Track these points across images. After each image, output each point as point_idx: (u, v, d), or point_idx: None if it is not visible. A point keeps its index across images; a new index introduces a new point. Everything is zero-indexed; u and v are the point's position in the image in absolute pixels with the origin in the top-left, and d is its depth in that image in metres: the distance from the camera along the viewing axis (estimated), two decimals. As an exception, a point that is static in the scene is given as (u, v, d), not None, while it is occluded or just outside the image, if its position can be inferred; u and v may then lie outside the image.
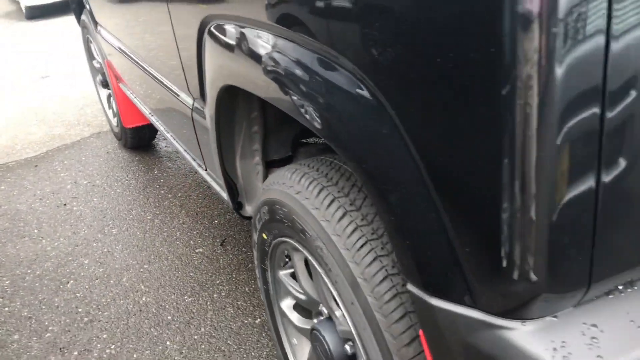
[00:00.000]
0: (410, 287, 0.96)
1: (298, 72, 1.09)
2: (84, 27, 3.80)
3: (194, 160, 2.25)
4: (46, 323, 2.49)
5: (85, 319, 2.49)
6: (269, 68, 1.19)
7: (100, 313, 2.51)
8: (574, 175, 0.74)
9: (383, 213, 0.97)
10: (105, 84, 3.86)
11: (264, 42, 1.22)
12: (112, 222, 3.19)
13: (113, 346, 2.32)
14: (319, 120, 1.06)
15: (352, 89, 0.95)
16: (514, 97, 0.70)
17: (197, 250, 2.84)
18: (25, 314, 2.57)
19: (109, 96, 3.84)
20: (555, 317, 0.86)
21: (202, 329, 2.34)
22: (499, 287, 0.84)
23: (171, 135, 2.47)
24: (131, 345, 2.31)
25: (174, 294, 2.56)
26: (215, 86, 1.55)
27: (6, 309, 2.62)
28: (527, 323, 0.85)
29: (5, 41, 7.54)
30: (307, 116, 1.10)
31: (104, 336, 2.38)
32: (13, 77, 5.96)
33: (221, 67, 1.49)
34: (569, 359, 0.81)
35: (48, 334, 2.43)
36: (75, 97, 5.16)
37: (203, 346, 2.26)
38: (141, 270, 2.76)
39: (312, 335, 1.52)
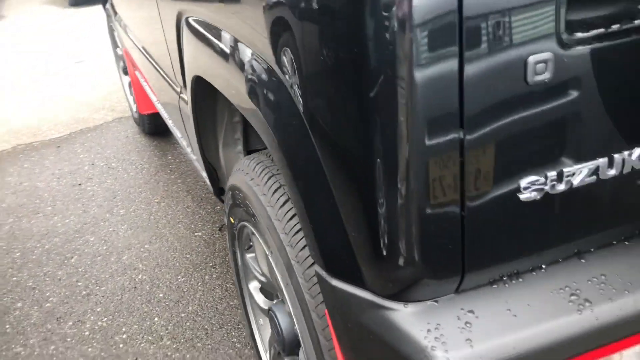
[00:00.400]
0: (317, 268, 1.04)
1: (234, 64, 1.17)
2: (108, 15, 3.95)
3: (188, 146, 2.36)
4: (47, 294, 2.65)
5: (84, 292, 2.63)
6: (215, 59, 1.28)
7: (97, 288, 2.65)
8: (440, 173, 0.80)
9: (293, 199, 1.05)
10: (126, 71, 4.02)
11: (212, 36, 1.31)
12: (121, 203, 3.33)
13: (105, 319, 2.45)
14: (244, 107, 1.15)
15: (269, 81, 1.02)
16: (380, 99, 0.77)
17: (196, 234, 2.95)
18: (30, 284, 2.73)
19: (129, 83, 3.99)
20: (436, 301, 0.92)
21: (190, 308, 2.45)
22: (383, 272, 0.91)
23: (170, 122, 2.59)
24: (122, 319, 2.44)
25: (169, 273, 2.68)
26: (190, 75, 1.65)
27: (14, 278, 2.78)
28: (409, 305, 0.91)
29: (46, 27, 7.82)
30: (239, 103, 1.19)
31: (98, 309, 2.51)
32: (50, 62, 6.20)
33: (194, 58, 1.58)
34: (440, 340, 0.88)
35: (48, 304, 2.58)
36: (104, 82, 5.35)
37: (188, 324, 2.37)
38: (142, 249, 2.89)
39: (269, 316, 1.61)
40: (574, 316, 0.91)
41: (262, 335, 1.87)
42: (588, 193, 0.89)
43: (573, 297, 0.93)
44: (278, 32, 0.95)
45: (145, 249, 2.89)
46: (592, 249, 0.99)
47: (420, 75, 0.74)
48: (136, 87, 3.61)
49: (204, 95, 1.68)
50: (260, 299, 1.79)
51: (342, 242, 0.95)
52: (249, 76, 1.11)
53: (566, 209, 0.89)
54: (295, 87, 0.94)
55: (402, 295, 0.92)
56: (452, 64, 0.75)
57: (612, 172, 0.88)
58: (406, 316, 0.90)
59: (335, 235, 0.96)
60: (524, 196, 0.85)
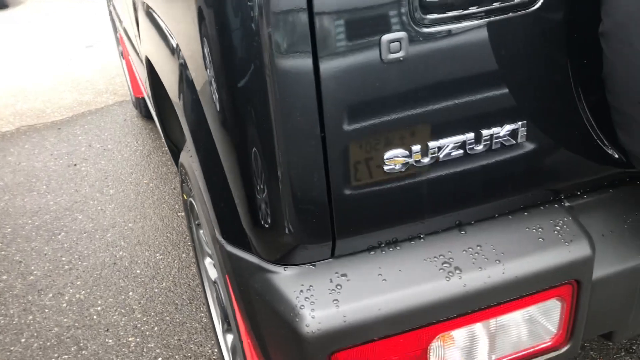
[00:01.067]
0: (217, 235, 1.10)
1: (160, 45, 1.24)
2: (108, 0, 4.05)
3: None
4: (32, 267, 2.76)
5: (66, 267, 2.73)
6: (151, 40, 1.34)
7: (80, 263, 2.75)
8: (304, 149, 0.86)
9: (197, 167, 1.11)
10: (123, 55, 4.11)
11: (149, 17, 1.38)
12: (112, 183, 3.43)
13: (83, 292, 2.55)
14: (170, 91, 1.21)
15: (180, 70, 1.09)
16: (244, 88, 0.84)
17: (179, 214, 3.04)
18: (17, 258, 2.85)
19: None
20: (314, 265, 0.98)
21: (164, 284, 2.54)
22: (263, 238, 0.97)
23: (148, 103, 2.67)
24: (98, 293, 2.54)
25: (148, 251, 2.77)
26: (143, 56, 1.72)
27: (2, 252, 2.90)
28: (288, 269, 0.97)
29: (59, 11, 7.98)
30: (167, 87, 1.25)
31: (78, 283, 2.62)
32: (60, 45, 6.34)
33: (142, 39, 1.65)
34: (310, 300, 0.94)
35: (31, 277, 2.69)
36: (110, 66, 5.46)
37: (160, 299, 2.46)
38: (125, 228, 2.98)
39: (214, 287, 1.68)
40: (441, 282, 0.96)
41: (217, 310, 1.95)
42: (458, 167, 0.94)
43: (444, 265, 0.98)
44: (176, 18, 1.02)
45: (128, 227, 2.99)
46: (473, 222, 1.04)
47: (278, 62, 0.79)
48: (130, 70, 3.70)
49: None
50: (212, 274, 1.86)
51: (233, 212, 1.01)
52: (167, 61, 1.18)
53: (436, 182, 0.94)
54: (190, 74, 1.01)
55: (283, 259, 0.98)
56: (307, 47, 0.80)
57: (480, 147, 0.93)
58: (284, 278, 0.97)
59: (228, 205, 1.02)
60: (387, 168, 0.90)
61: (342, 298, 0.93)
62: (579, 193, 1.09)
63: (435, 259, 0.99)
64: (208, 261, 1.91)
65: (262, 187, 0.91)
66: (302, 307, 0.93)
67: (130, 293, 2.51)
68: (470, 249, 1.00)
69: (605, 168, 1.06)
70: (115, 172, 3.55)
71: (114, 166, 3.64)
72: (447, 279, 0.96)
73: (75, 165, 3.71)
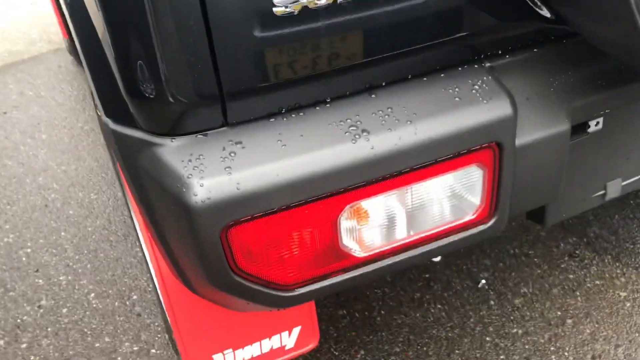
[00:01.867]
0: (102, 116, 0.98)
1: None
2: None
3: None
4: (-44, 216, 2.60)
5: (-6, 212, 2.58)
6: None
7: (9, 207, 2.60)
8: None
9: (79, 47, 0.99)
10: (52, -3, 3.87)
11: None
12: (45, 128, 3.25)
13: (12, 235, 2.41)
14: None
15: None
16: None
17: (115, 154, 2.90)
18: (-58, 208, 2.68)
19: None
20: (205, 134, 0.87)
21: (98, 222, 2.42)
22: (147, 107, 0.86)
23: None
24: (28, 235, 2.40)
25: (82, 192, 2.63)
26: None
27: None
28: (176, 139, 0.87)
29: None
30: None
31: (7, 227, 2.47)
32: (-9, -2, 5.98)
33: None
34: (199, 169, 0.84)
35: (-45, 226, 2.53)
36: (45, 14, 5.18)
37: (94, 237, 2.34)
38: (58, 171, 2.83)
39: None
40: (346, 145, 0.87)
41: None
42: (361, 11, 0.83)
43: (351, 128, 0.89)
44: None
45: (62, 170, 2.83)
46: (384, 84, 0.94)
47: None
48: (56, 9, 3.48)
49: None
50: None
51: (113, 85, 0.90)
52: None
53: (335, 29, 0.84)
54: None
55: (170, 130, 0.87)
56: None
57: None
58: (171, 150, 0.86)
59: (108, 79, 0.91)
60: (278, 9, 0.79)
61: (235, 165, 0.84)
62: (500, 52, 1.00)
63: (342, 122, 0.89)
64: (132, 184, 1.80)
65: (136, 46, 0.80)
66: (190, 176, 0.83)
67: (63, 233, 2.38)
68: (380, 112, 0.91)
69: (529, 23, 0.97)
70: (48, 118, 3.36)
71: (47, 112, 3.44)
72: (354, 141, 0.87)
73: (5, 113, 3.50)
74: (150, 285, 2.07)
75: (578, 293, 1.83)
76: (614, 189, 1.28)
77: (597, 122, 1.16)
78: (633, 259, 1.93)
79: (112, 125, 0.94)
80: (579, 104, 1.04)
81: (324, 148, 0.86)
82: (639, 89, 1.08)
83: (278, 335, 1.20)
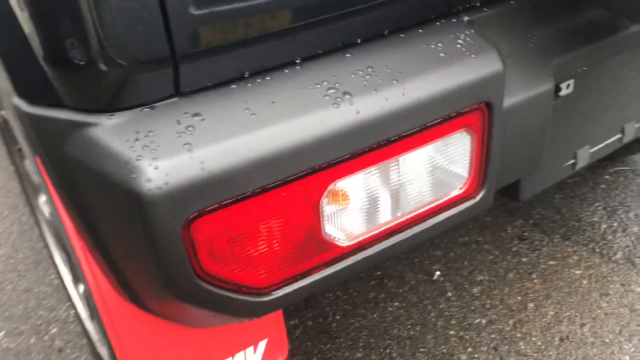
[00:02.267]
0: (14, 99, 0.78)
1: None
2: None
3: None
4: None
5: None
6: None
7: None
8: None
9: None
10: None
11: None
12: None
13: None
14: None
15: None
16: None
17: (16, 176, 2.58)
18: None
19: None
20: (153, 107, 0.70)
21: (2, 251, 2.13)
22: (77, 77, 0.68)
23: None
24: None
25: None
26: None
27: None
28: (115, 116, 0.69)
29: None
30: None
31: None
32: None
33: None
34: (150, 148, 0.66)
35: None
36: None
37: (-2, 268, 2.04)
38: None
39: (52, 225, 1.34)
40: (329, 110, 0.73)
41: (61, 255, 1.61)
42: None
43: (330, 91, 0.75)
44: None
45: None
46: (359, 41, 0.81)
47: None
48: None
49: None
50: (47, 211, 1.51)
51: (29, 56, 0.70)
52: None
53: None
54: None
55: (107, 105, 0.69)
56: None
57: None
58: (110, 129, 0.68)
59: (20, 45, 0.71)
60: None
61: (195, 140, 0.67)
62: (478, 4, 0.90)
63: (317, 85, 0.75)
64: (42, 199, 1.56)
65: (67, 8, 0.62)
66: (140, 158, 0.65)
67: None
68: (360, 72, 0.77)
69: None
70: None
71: None
72: (336, 105, 0.73)
73: None
74: (72, 314, 1.82)
75: (534, 276, 1.78)
76: (583, 157, 1.22)
77: (568, 85, 1.08)
78: (581, 236, 1.90)
79: (26, 107, 0.75)
80: (560, 60, 0.96)
81: (304, 114, 0.71)
82: (616, 42, 1.02)
83: (242, 353, 1.03)
